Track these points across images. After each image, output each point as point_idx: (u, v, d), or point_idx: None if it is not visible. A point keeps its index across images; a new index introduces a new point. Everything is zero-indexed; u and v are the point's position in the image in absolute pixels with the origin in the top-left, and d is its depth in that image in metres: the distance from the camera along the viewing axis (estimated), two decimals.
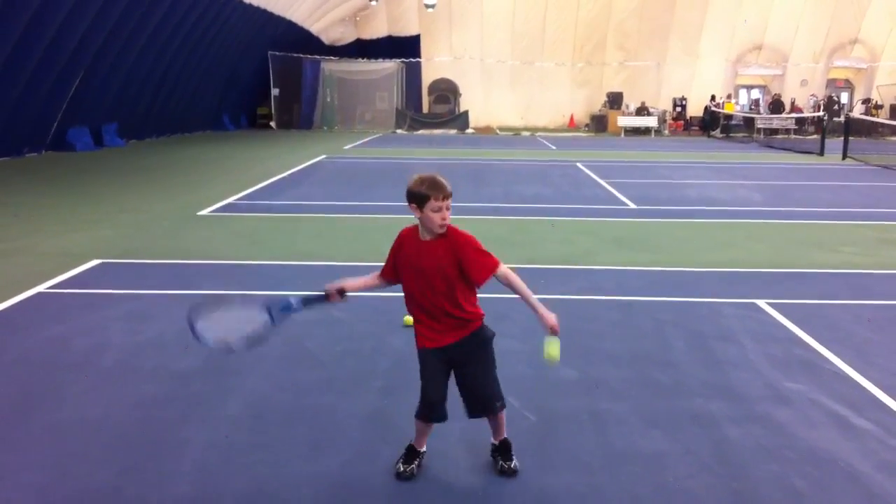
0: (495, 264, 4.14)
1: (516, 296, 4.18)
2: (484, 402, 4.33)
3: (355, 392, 5.49)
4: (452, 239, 4.14)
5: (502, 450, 4.46)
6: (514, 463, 4.41)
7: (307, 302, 4.29)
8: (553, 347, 4.12)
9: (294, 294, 4.32)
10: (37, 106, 22.24)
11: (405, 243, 4.26)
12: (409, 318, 4.42)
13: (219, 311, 4.34)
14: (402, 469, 4.35)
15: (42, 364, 6.00)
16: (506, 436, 4.48)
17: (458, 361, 4.26)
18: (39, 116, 22.86)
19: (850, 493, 4.23)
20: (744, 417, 5.15)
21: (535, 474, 4.37)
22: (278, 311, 4.26)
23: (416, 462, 4.39)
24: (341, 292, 4.28)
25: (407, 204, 4.13)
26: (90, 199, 14.69)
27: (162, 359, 6.10)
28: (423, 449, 4.46)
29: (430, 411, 4.30)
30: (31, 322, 7.05)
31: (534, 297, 4.18)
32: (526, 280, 4.21)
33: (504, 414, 4.43)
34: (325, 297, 4.27)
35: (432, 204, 4.05)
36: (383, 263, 4.34)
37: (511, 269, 4.22)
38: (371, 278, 4.40)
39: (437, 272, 4.12)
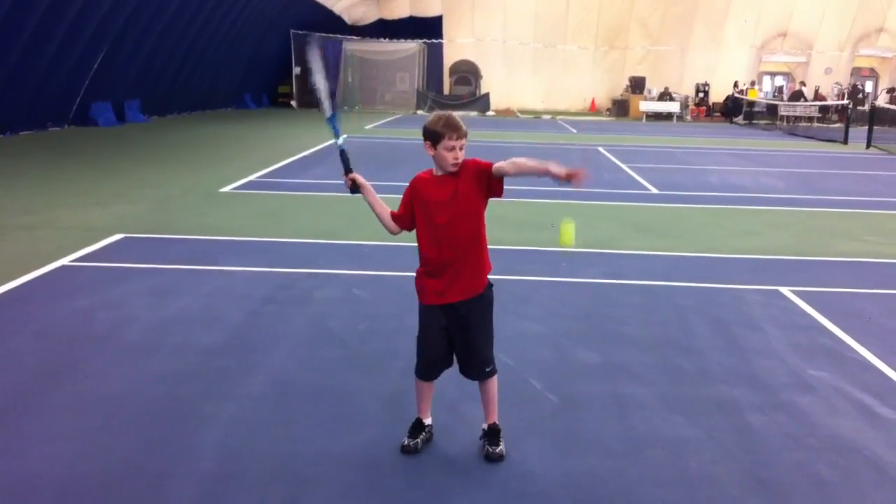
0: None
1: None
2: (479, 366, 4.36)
3: (377, 372, 5.50)
4: (463, 166, 4.17)
5: (490, 434, 4.40)
6: (501, 447, 4.34)
7: (342, 155, 4.47)
8: (567, 231, 3.98)
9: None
10: (60, 80, 22.32)
11: (420, 184, 4.31)
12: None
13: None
14: (406, 443, 4.37)
15: (66, 337, 6.04)
16: (496, 420, 4.44)
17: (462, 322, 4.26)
18: (63, 91, 22.96)
19: (876, 482, 4.21)
20: (767, 404, 5.12)
21: (558, 457, 4.36)
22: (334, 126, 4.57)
23: (421, 436, 4.41)
24: (354, 182, 4.38)
25: (423, 141, 4.20)
26: (113, 174, 14.75)
27: (185, 334, 6.14)
28: (429, 421, 4.48)
29: (431, 370, 4.38)
30: (56, 295, 7.11)
31: (543, 163, 3.99)
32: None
33: (495, 387, 4.41)
34: (346, 173, 4.40)
35: (446, 143, 4.12)
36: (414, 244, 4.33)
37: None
38: (386, 208, 4.41)
39: (457, 203, 4.14)
